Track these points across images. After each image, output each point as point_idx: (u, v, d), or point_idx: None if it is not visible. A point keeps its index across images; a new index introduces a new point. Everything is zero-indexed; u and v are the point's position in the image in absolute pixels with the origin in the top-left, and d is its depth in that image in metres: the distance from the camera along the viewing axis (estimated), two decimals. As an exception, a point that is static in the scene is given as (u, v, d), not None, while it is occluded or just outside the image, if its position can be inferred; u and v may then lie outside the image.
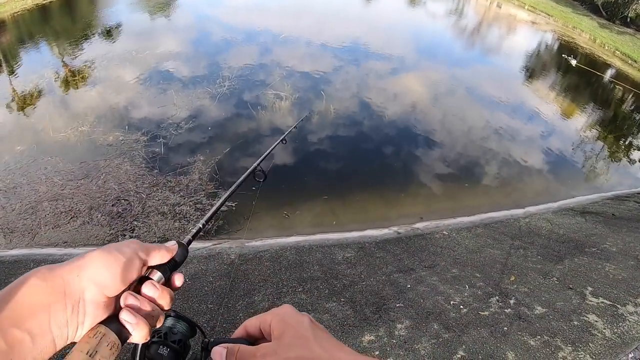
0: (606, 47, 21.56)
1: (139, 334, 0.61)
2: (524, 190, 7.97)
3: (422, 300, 4.34)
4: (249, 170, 1.64)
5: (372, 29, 16.85)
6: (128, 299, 0.62)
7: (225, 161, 7.10)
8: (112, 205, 5.86)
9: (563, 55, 18.01)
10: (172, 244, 0.74)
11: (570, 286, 4.81)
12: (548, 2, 30.39)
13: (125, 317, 0.60)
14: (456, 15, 24.76)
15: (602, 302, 4.53)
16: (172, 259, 0.72)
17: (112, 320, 0.61)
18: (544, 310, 4.34)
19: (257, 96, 9.34)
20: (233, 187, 1.36)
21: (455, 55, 16.34)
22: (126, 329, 0.61)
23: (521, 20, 26.14)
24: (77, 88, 9.43)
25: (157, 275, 0.68)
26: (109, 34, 13.20)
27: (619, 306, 4.48)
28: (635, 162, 10.48)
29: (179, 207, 5.92)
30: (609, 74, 17.79)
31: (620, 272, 5.15)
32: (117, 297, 0.62)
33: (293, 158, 7.62)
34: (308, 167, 7.51)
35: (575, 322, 4.17)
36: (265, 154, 2.01)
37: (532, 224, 6.51)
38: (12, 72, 10.59)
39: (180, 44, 12.31)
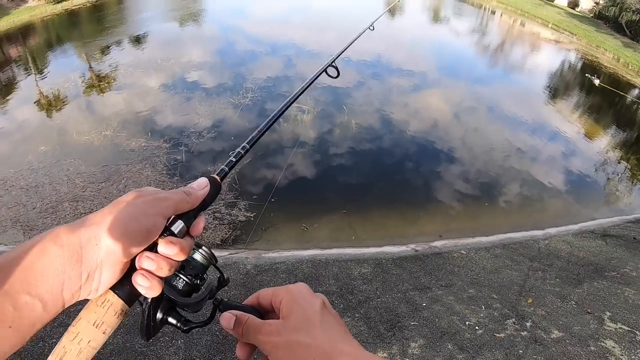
0: (630, 67, 21.27)
1: (152, 294, 0.59)
2: (544, 211, 7.90)
3: (437, 320, 4.33)
4: (324, 66, 1.50)
5: (395, 44, 16.89)
6: (143, 262, 0.58)
7: (245, 171, 7.18)
8: (132, 210, 5.92)
9: (586, 75, 17.82)
10: (203, 184, 0.69)
11: (589, 310, 4.75)
12: (572, 21, 30.18)
13: (139, 281, 0.57)
14: (479, 33, 24.69)
15: (620, 328, 4.47)
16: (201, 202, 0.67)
17: (123, 284, 0.59)
18: (561, 334, 4.29)
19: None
20: (304, 85, 1.24)
21: (478, 73, 16.32)
22: (138, 291, 0.59)
23: (544, 38, 25.97)
24: (103, 93, 9.66)
25: (178, 226, 0.62)
26: (135, 41, 13.46)
27: (637, 332, 4.42)
28: (659, 185, 10.30)
29: (197, 215, 5.97)
30: (633, 94, 17.56)
31: (640, 298, 5.08)
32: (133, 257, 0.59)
33: (313, 170, 7.67)
34: (328, 180, 7.55)
35: (592, 348, 4.12)
36: (347, 45, 1.86)
37: (552, 246, 6.45)
38: (40, 74, 10.87)
39: (205, 54, 12.52)
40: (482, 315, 4.50)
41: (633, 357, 4.05)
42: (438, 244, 6.23)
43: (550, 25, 28.93)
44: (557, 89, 16.42)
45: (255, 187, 6.89)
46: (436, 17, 27.19)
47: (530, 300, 4.85)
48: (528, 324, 4.41)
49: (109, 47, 12.45)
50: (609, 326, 4.50)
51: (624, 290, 5.24)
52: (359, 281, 4.90)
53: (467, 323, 4.33)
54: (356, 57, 13.91)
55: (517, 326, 4.37)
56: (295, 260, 5.24)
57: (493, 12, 33.32)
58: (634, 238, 7.08)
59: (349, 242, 6.22)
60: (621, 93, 16.80)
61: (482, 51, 20.44)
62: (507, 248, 6.22)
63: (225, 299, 0.69)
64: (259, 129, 0.94)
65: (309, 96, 10.11)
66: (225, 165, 0.81)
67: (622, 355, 4.06)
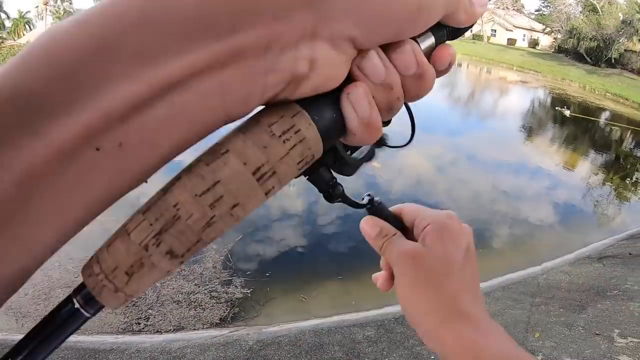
0: (596, 92, 22.11)
1: (362, 137, 0.35)
2: (538, 247, 7.92)
3: (446, 368, 4.27)
4: None
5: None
6: (371, 62, 0.31)
7: (237, 249, 7.20)
8: (126, 294, 5.90)
9: (557, 108, 18.38)
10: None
11: (597, 332, 4.72)
12: (534, 59, 31.52)
13: (355, 97, 0.32)
14: (449, 86, 25.53)
15: (631, 342, 4.44)
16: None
17: (325, 103, 0.32)
18: (573, 361, 4.26)
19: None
20: None
21: (453, 125, 16.78)
22: (341, 120, 0.33)
23: (512, 81, 26.96)
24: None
25: (428, 40, 0.36)
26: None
27: (648, 344, 4.39)
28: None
29: (193, 295, 5.96)
30: (603, 117, 18.09)
31: (645, 310, 5.08)
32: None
33: (305, 241, 7.72)
34: (321, 249, 7.59)
35: (607, 368, 4.08)
36: None
37: (551, 279, 6.46)
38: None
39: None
40: (490, 356, 4.45)
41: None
42: (437, 294, 6.21)
43: (515, 68, 30.23)
44: (531, 127, 16.86)
45: (248, 263, 6.91)
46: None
47: (537, 335, 4.82)
48: (540, 358, 4.37)
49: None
50: (620, 342, 4.47)
51: (629, 305, 5.23)
52: (364, 344, 4.86)
53: (476, 367, 4.28)
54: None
55: (526, 361, 4.32)
56: (297, 331, 5.20)
57: (459, 65, 34.70)
58: (630, 254, 7.12)
59: (349, 307, 6.18)
60: (592, 118, 17.34)
61: (454, 103, 21.05)
62: (507, 289, 6.20)
63: (378, 199, 0.60)
64: None
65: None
66: None
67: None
